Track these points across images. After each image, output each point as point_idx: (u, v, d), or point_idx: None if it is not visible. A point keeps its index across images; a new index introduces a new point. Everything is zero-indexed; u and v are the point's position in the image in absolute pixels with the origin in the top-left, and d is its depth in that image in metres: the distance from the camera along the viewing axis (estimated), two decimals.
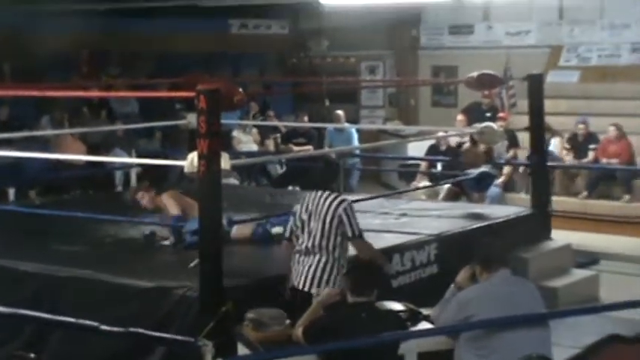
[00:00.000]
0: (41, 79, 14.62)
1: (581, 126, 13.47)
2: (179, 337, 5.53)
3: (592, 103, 14.63)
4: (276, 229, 7.39)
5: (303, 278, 6.31)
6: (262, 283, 6.42)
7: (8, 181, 12.32)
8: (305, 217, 6.43)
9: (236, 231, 7.44)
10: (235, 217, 7.55)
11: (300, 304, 6.21)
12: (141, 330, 5.49)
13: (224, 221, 6.50)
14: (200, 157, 5.73)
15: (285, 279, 6.34)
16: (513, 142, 13.21)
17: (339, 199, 6.44)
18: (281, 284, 6.32)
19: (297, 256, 6.41)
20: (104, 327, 5.32)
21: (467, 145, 11.16)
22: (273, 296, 6.09)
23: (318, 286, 6.26)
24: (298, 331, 5.52)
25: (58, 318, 5.88)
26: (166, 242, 7.45)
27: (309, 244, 6.36)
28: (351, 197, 10.09)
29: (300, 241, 6.42)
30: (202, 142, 5.69)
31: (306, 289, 6.28)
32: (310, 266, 6.30)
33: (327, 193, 6.47)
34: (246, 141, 14.65)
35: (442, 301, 5.81)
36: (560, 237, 9.48)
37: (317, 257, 6.32)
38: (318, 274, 6.28)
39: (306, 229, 6.40)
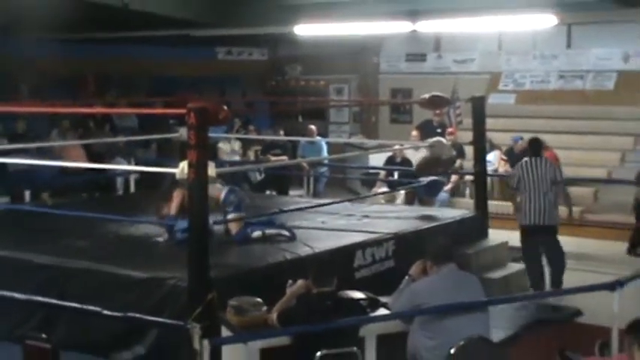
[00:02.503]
0: (53, 97, 14.52)
1: (520, 142, 13.51)
2: (171, 321, 5.52)
3: (526, 121, 14.70)
4: (257, 233, 7.33)
5: (535, 215, 8.62)
6: (244, 274, 6.39)
7: (24, 184, 12.22)
8: (528, 175, 8.71)
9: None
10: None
11: (531, 233, 8.69)
12: (137, 314, 5.47)
13: (210, 221, 6.47)
14: (190, 165, 5.69)
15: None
16: (460, 154, 13.25)
17: (550, 161, 9.11)
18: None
19: (527, 201, 8.65)
20: (106, 312, 5.29)
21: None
22: (253, 286, 6.07)
23: (550, 219, 8.66)
24: (273, 316, 5.50)
25: (66, 303, 5.84)
26: (160, 239, 7.40)
27: (535, 191, 8.62)
28: (320, 201, 10.16)
29: (527, 189, 8.64)
30: (192, 152, 5.65)
31: (540, 222, 8.61)
32: (538, 205, 8.58)
33: (541, 158, 8.90)
34: (230, 152, 14.60)
35: (398, 291, 5.82)
36: (498, 236, 9.52)
37: (543, 199, 8.60)
38: (545, 209, 8.60)
39: (531, 182, 8.66)
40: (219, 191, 7.37)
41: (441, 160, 9.54)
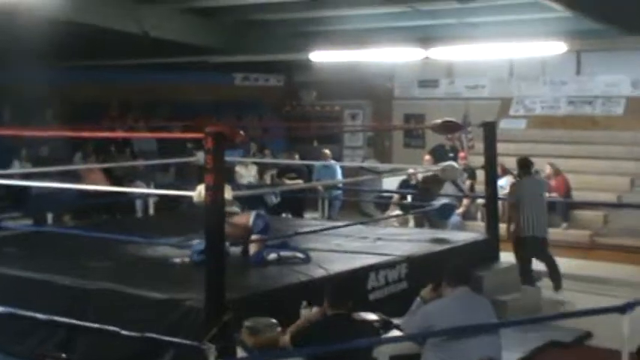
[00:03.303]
0: (76, 122, 14.62)
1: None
2: (187, 342, 5.50)
3: (536, 146, 14.66)
4: (272, 256, 7.31)
5: (531, 228, 9.43)
6: (259, 295, 6.38)
7: (47, 207, 12.29)
8: (528, 194, 9.51)
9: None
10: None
11: (527, 243, 9.45)
12: (155, 335, 5.46)
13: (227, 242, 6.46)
14: (207, 188, 5.71)
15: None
16: (472, 177, 13.24)
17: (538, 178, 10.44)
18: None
19: (524, 215, 9.41)
20: (124, 332, 5.29)
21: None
22: (268, 307, 6.05)
23: (543, 231, 9.56)
24: (287, 337, 5.47)
25: (86, 324, 5.85)
26: (177, 260, 7.40)
27: (531, 207, 9.42)
28: (334, 223, 10.14)
29: (529, 205, 9.39)
30: (209, 175, 5.67)
31: (537, 234, 9.47)
32: (533, 219, 9.41)
33: (533, 175, 9.98)
34: (247, 175, 14.62)
35: (409, 312, 5.79)
36: (509, 258, 9.47)
37: (538, 213, 9.48)
38: (540, 222, 9.48)
39: (531, 198, 9.50)
40: (247, 217, 7.38)
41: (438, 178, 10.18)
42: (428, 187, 10.19)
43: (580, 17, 11.69)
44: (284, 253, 7.35)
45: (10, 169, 12.16)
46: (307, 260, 7.32)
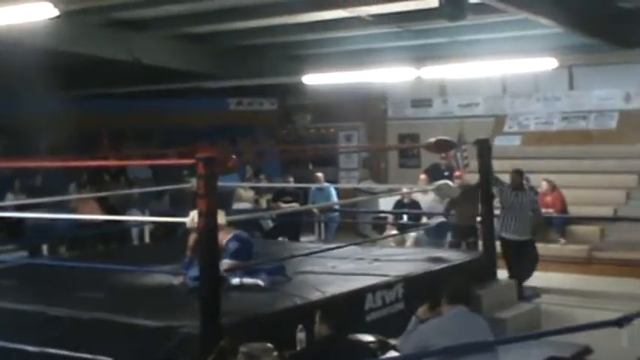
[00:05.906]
0: (69, 152, 14.59)
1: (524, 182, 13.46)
2: None
3: (531, 162, 14.62)
4: (235, 281, 7.08)
5: (513, 232, 9.76)
6: (254, 320, 6.33)
7: (42, 238, 12.24)
8: (512, 198, 9.83)
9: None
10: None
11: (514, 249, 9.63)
12: None
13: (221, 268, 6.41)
14: (199, 214, 5.68)
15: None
16: None
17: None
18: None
19: (507, 217, 9.79)
20: None
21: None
22: (263, 331, 6.00)
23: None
24: None
25: (80, 354, 5.79)
26: (175, 282, 7.37)
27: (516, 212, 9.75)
28: (330, 245, 10.09)
29: (511, 209, 9.77)
30: (201, 201, 5.65)
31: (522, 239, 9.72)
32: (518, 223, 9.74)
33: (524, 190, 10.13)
34: (247, 198, 14.66)
35: (406, 332, 5.74)
36: (506, 275, 9.43)
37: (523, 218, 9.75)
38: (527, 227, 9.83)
39: (512, 204, 9.81)
40: (225, 235, 7.26)
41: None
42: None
43: (570, 33, 11.73)
44: (246, 280, 7.16)
45: (3, 201, 12.13)
46: (268, 288, 7.13)
